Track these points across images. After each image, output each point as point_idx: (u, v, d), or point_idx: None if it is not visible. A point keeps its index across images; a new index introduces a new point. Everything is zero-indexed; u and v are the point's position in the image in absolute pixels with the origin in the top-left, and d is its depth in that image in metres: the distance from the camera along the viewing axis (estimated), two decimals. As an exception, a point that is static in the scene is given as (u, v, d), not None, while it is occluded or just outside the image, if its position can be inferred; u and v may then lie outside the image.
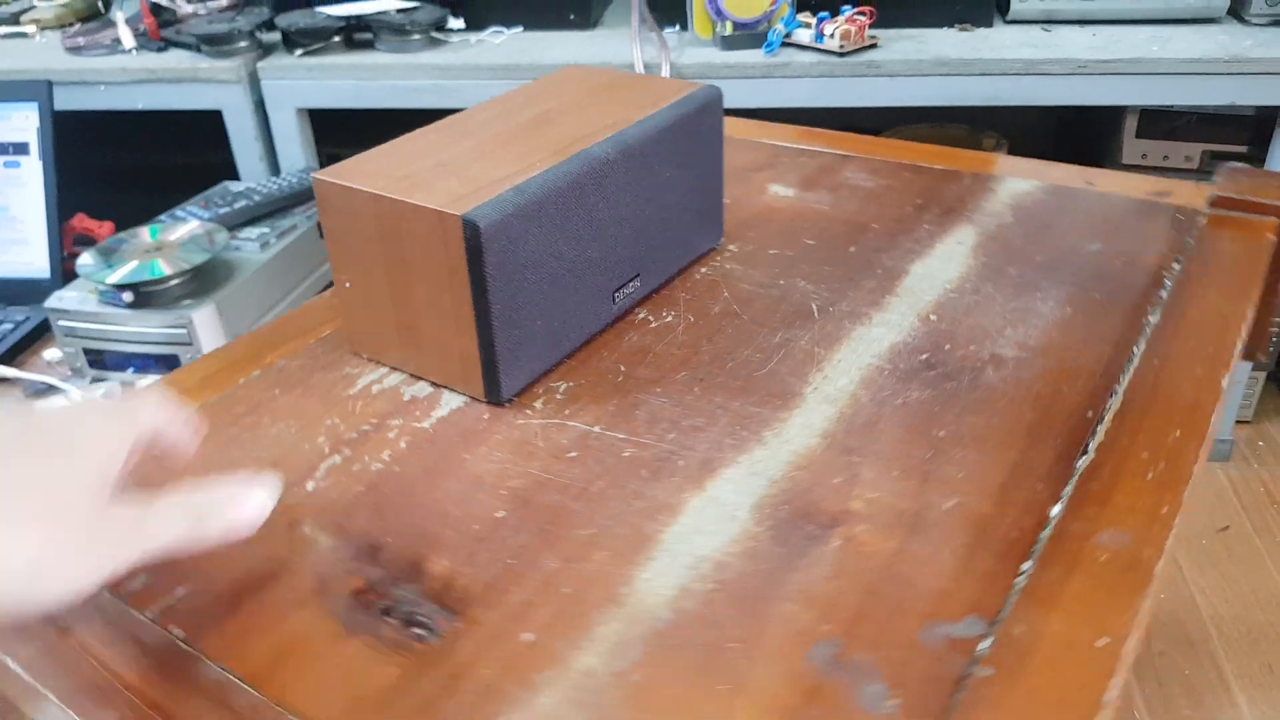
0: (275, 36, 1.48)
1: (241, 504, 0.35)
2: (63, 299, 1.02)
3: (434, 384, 0.50)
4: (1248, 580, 1.34)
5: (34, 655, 0.36)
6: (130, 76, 1.42)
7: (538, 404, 0.48)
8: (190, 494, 0.34)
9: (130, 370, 1.03)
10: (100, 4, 1.65)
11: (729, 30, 1.38)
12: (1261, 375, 1.63)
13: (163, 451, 0.38)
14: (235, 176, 1.46)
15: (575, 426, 0.46)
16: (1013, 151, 1.67)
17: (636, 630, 0.35)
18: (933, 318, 0.52)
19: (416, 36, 1.42)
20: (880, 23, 1.42)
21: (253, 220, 1.18)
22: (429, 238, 0.45)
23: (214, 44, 1.41)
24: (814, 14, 1.38)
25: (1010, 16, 1.46)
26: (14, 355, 1.08)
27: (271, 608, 0.37)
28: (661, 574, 0.38)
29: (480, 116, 0.54)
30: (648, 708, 0.32)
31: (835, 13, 1.38)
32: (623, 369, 0.50)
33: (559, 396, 0.48)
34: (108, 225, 1.24)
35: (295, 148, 1.45)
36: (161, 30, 1.46)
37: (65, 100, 1.31)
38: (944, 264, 0.58)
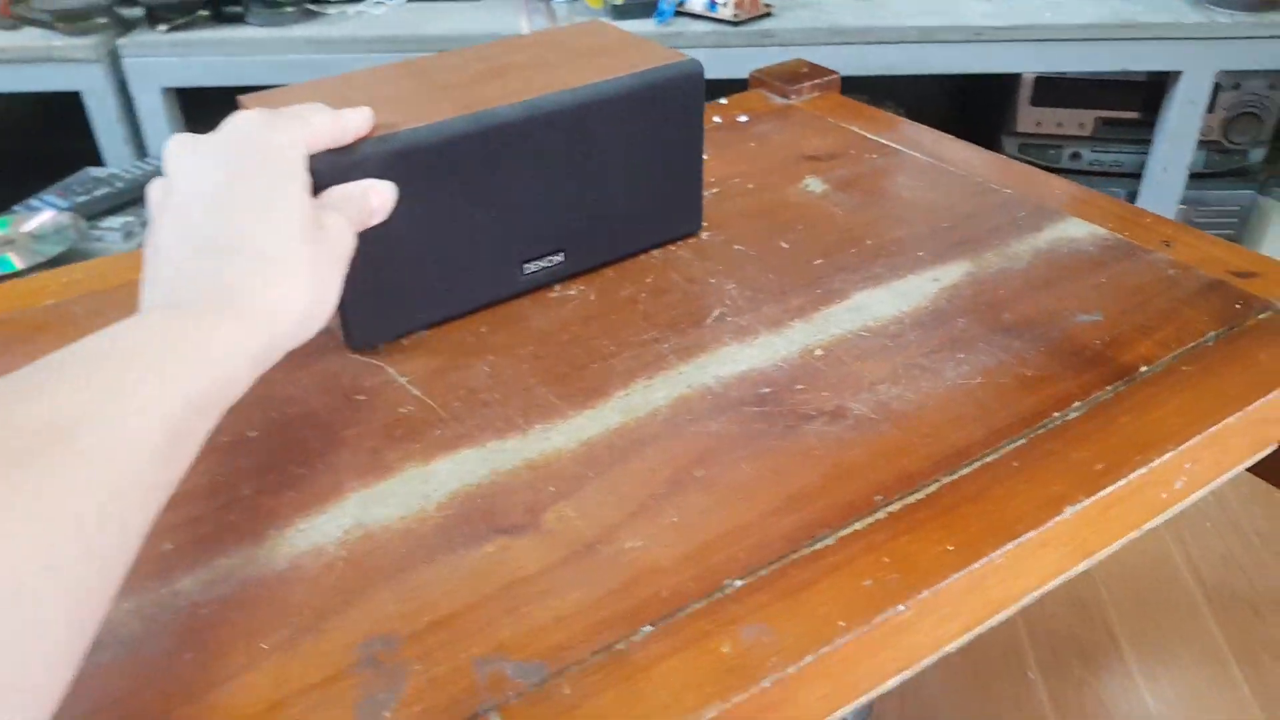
0: (138, 11, 1.40)
1: (382, 190, 0.43)
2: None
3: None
4: (1136, 540, 1.38)
5: None
6: (-22, 57, 1.33)
7: (382, 348, 0.48)
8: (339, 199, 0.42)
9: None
10: (-55, -24, 1.53)
11: (620, -1, 1.34)
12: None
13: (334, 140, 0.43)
14: (100, 162, 1.38)
15: (387, 373, 0.46)
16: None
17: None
18: (818, 353, 0.47)
19: (290, 9, 1.35)
20: (775, -10, 1.40)
21: (116, 209, 1.13)
22: None
23: (70, 20, 1.33)
24: (707, -18, 1.34)
25: (906, -17, 1.45)
26: None
27: None
28: (323, 525, 0.38)
29: (444, 61, 0.52)
30: None
31: (728, -20, 1.35)
32: (483, 332, 0.49)
33: (404, 344, 0.48)
34: (-46, 218, 1.17)
35: (163, 130, 1.37)
36: (13, 6, 1.38)
37: (-96, 83, 1.22)
38: (894, 299, 0.51)
